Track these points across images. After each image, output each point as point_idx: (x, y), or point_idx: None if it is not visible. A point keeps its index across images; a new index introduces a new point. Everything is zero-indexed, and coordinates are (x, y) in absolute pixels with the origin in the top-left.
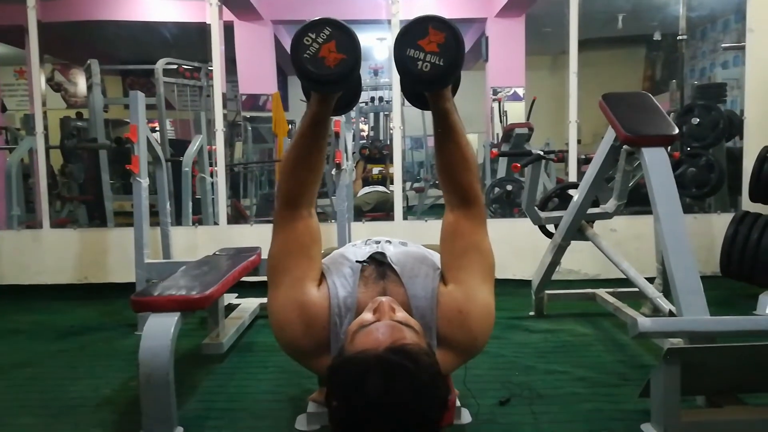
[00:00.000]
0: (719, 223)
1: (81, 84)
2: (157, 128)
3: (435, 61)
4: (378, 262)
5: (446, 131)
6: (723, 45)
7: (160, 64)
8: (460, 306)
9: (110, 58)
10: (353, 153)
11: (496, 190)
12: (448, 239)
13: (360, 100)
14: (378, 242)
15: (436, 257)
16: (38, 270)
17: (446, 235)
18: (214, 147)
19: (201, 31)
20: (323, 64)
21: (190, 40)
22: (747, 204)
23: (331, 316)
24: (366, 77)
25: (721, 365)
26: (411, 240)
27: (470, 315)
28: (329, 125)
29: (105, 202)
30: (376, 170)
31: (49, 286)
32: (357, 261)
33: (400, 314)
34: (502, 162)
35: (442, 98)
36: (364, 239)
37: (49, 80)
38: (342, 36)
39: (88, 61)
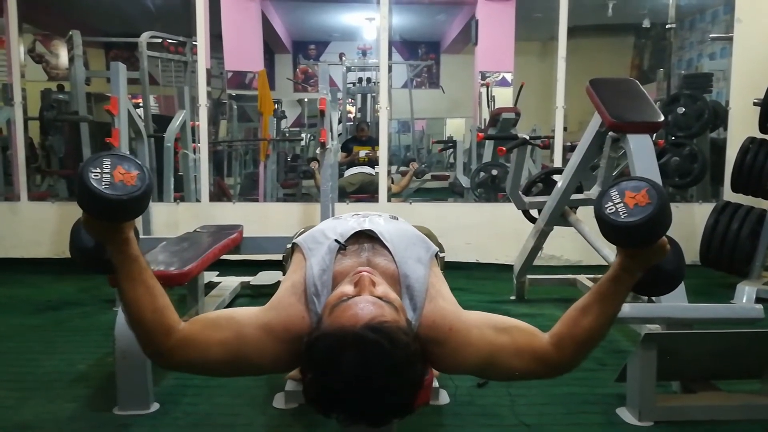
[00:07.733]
0: (701, 212)
1: (63, 56)
2: (141, 103)
3: (623, 212)
4: (367, 237)
5: (602, 300)
6: (711, 35)
7: (144, 38)
8: (454, 323)
9: (93, 29)
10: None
11: (482, 174)
12: (514, 342)
13: (347, 81)
14: (366, 216)
15: (426, 239)
16: (15, 243)
17: (519, 340)
18: (197, 123)
19: (186, 4)
20: (126, 185)
21: (175, 13)
22: (728, 194)
23: (308, 295)
24: (354, 58)
25: (696, 351)
26: None
27: (457, 336)
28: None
29: None
30: (362, 153)
31: (25, 259)
32: (336, 241)
33: (381, 288)
34: (489, 147)
35: (620, 264)
36: (350, 213)
37: (31, 51)
38: (120, 159)
39: (70, 32)
